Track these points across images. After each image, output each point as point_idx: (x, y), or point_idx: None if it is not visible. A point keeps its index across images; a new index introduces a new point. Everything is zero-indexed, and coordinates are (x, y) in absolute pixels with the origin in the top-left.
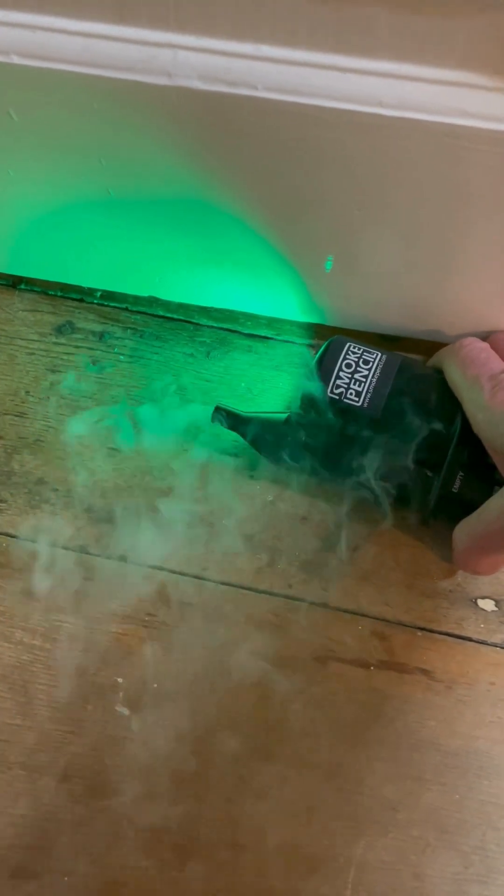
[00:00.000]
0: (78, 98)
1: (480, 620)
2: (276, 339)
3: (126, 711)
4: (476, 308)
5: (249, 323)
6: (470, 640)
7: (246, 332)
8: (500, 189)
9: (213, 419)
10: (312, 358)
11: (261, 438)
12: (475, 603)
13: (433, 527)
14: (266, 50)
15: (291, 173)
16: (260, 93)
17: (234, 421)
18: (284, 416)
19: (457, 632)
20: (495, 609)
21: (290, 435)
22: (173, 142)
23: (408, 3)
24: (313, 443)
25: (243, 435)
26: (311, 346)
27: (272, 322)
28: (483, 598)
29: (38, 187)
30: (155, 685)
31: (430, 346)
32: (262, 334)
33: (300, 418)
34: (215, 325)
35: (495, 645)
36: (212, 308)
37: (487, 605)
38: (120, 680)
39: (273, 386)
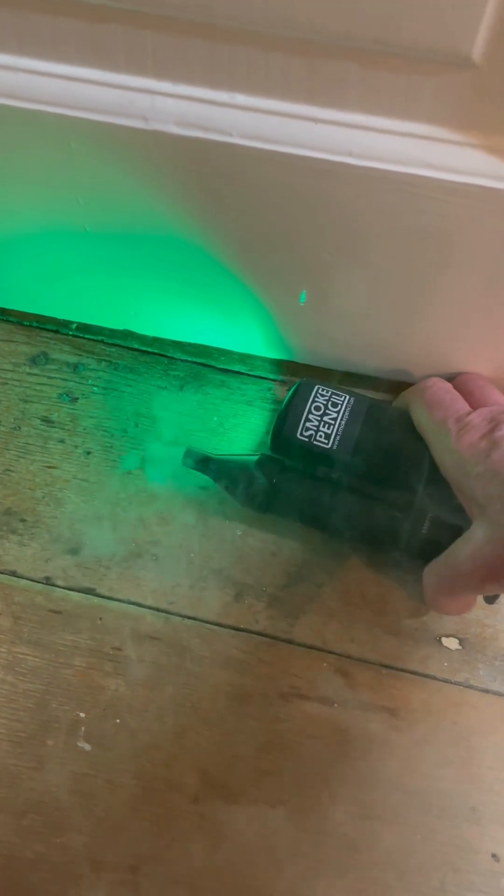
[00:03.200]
0: (57, 138)
1: (444, 659)
2: (248, 375)
3: (87, 747)
4: (442, 350)
5: (223, 358)
6: (434, 678)
7: (219, 366)
8: (463, 237)
9: (183, 462)
10: (282, 400)
11: (230, 481)
12: (440, 641)
13: (402, 567)
14: (240, 98)
15: (264, 216)
16: (234, 139)
17: (204, 463)
18: (254, 458)
19: (421, 670)
20: (459, 648)
21: (259, 478)
22: (149, 183)
23: (378, 59)
24: (282, 485)
25: (214, 478)
26: (282, 382)
27: (245, 358)
28: (447, 636)
29: (16, 221)
30: (117, 721)
31: (398, 385)
32: (236, 369)
33: (269, 460)
34: (189, 359)
35: (458, 683)
36: (186, 342)
37: (452, 643)
38: (82, 715)
39: (245, 420)
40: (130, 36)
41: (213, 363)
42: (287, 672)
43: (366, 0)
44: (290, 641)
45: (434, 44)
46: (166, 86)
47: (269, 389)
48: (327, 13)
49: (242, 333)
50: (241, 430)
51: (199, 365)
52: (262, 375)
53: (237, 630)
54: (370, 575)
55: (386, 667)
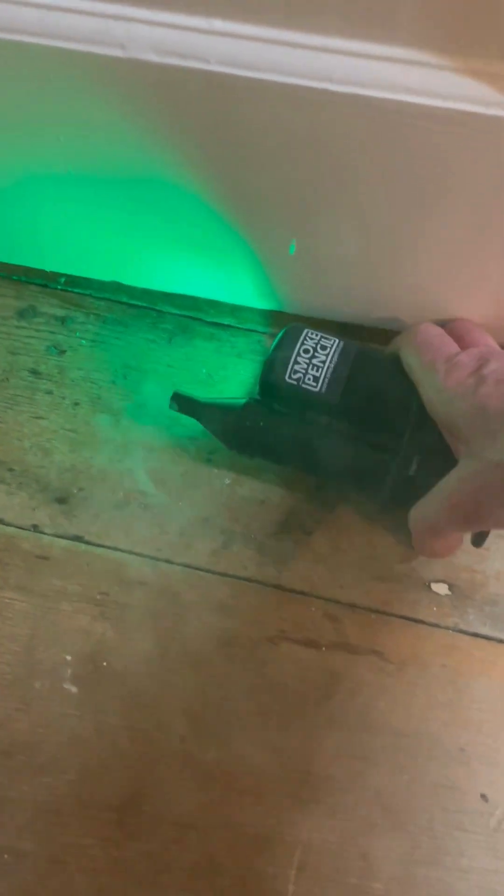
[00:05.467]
0: (32, 70)
1: (434, 604)
2: (238, 328)
3: (74, 689)
4: (433, 297)
5: (212, 311)
6: (423, 622)
7: (209, 319)
8: (449, 169)
9: (170, 405)
10: (270, 344)
11: (218, 424)
12: (429, 587)
13: (390, 511)
14: (218, 24)
15: (246, 153)
16: (212, 66)
17: (191, 407)
18: (242, 401)
19: (410, 615)
20: (448, 593)
21: (247, 421)
22: (130, 116)
23: None
24: (271, 428)
25: (201, 421)
26: (272, 334)
27: (235, 310)
28: (437, 581)
29: None
30: (104, 663)
31: (390, 335)
32: (225, 322)
33: (258, 404)
34: (178, 312)
35: (448, 628)
36: (175, 295)
37: (441, 588)
38: (69, 657)
39: (234, 373)
40: None
41: (202, 316)
42: (275, 616)
43: None
44: (278, 587)
45: None
46: (143, 12)
47: (259, 342)
48: None
49: (232, 283)
50: (230, 383)
51: (189, 318)
52: (253, 328)
53: (225, 576)
54: (359, 522)
55: (375, 611)
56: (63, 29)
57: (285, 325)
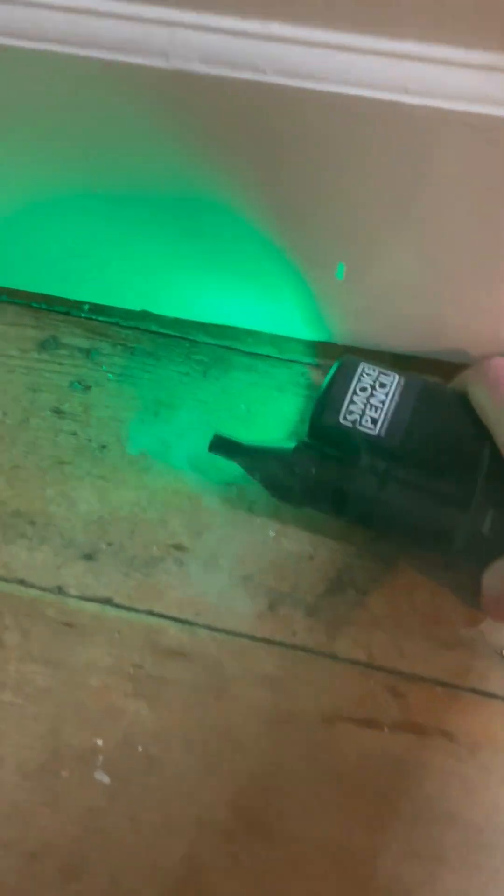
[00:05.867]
0: (62, 83)
1: None
2: (279, 359)
3: (106, 779)
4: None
5: (250, 340)
6: (495, 696)
7: (247, 350)
8: None
9: (210, 448)
10: (322, 380)
11: (264, 471)
12: (501, 655)
13: (458, 570)
14: (276, 28)
15: (302, 169)
16: (268, 77)
17: (233, 450)
18: (291, 446)
19: (481, 687)
20: None
21: (297, 467)
22: (170, 133)
23: None
24: (322, 476)
25: (244, 467)
26: (317, 366)
27: (275, 340)
28: None
29: (18, 186)
30: (140, 748)
31: (450, 367)
32: (265, 353)
33: (309, 448)
34: (213, 342)
35: None
36: (210, 324)
37: None
38: (100, 742)
39: (275, 408)
40: None
41: (239, 346)
42: (329, 691)
43: None
44: (332, 656)
45: None
46: (189, 16)
47: (303, 374)
48: None
49: (273, 311)
50: (271, 418)
51: (224, 348)
52: (295, 359)
53: (272, 643)
54: (421, 579)
55: (441, 684)
56: (96, 36)
57: (338, 358)
